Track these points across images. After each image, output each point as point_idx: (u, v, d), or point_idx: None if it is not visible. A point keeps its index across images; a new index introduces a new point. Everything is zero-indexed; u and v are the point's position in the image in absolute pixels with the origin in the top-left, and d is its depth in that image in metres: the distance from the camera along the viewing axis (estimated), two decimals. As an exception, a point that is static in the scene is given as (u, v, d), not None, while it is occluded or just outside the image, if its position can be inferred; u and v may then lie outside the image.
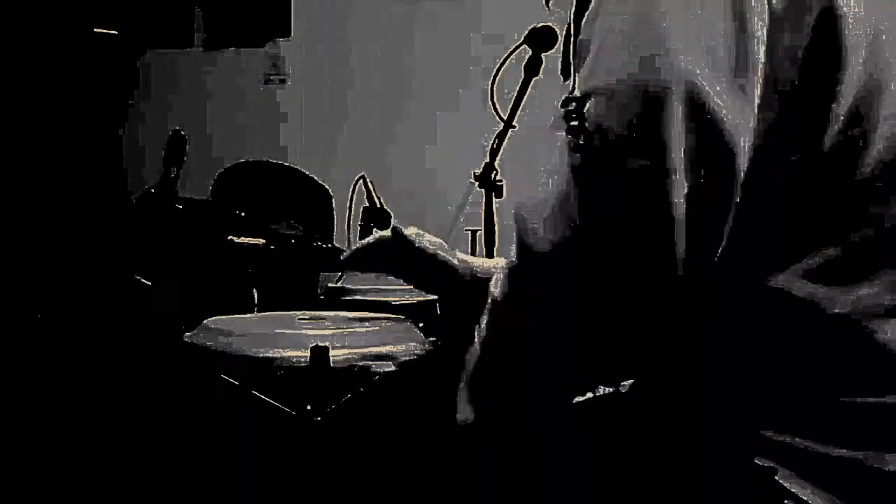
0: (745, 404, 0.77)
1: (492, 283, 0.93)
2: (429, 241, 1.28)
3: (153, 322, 2.24)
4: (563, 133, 0.79)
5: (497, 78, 2.09)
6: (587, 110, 0.77)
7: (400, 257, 1.28)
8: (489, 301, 0.93)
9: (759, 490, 0.75)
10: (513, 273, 0.87)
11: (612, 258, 0.75)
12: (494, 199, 2.20)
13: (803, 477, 0.74)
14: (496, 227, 2.23)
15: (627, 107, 0.75)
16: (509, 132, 2.08)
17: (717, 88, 0.73)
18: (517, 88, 2.07)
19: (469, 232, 2.45)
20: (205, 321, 1.46)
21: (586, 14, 0.82)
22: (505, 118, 2.07)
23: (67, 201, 2.84)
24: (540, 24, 2.00)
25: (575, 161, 0.77)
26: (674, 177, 0.72)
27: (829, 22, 0.75)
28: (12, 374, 2.30)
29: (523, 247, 0.82)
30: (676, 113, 0.72)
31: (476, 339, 0.96)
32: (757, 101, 0.74)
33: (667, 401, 0.80)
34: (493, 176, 2.14)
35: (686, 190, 0.72)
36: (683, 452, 0.79)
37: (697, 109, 0.73)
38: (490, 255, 2.24)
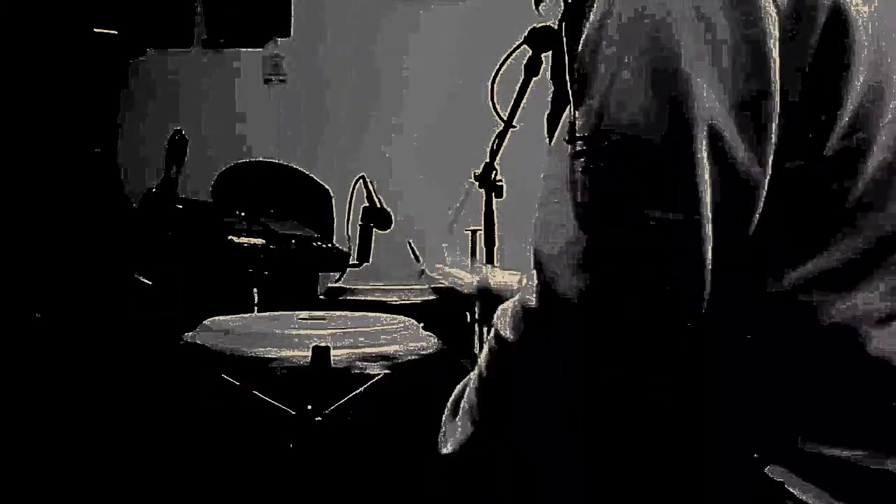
0: (745, 406, 0.77)
1: (497, 319, 0.91)
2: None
3: (153, 322, 2.24)
4: (573, 171, 0.77)
5: (497, 78, 2.09)
6: (605, 151, 0.74)
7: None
8: (493, 338, 0.91)
9: (758, 490, 0.75)
10: (529, 314, 0.84)
11: (634, 304, 0.74)
12: (494, 199, 2.20)
13: (802, 477, 0.74)
14: (496, 227, 2.23)
15: (653, 154, 0.72)
16: (509, 132, 2.08)
17: (735, 133, 0.71)
18: (517, 88, 2.07)
19: (469, 232, 2.45)
20: (205, 321, 1.46)
21: (584, 39, 0.79)
22: (505, 118, 2.07)
23: (67, 201, 2.84)
24: (540, 24, 2.00)
25: (592, 207, 0.75)
26: (707, 226, 0.71)
27: (838, 26, 0.74)
28: (12, 374, 2.30)
29: (546, 293, 0.80)
30: (703, 161, 0.71)
31: (475, 374, 0.95)
32: (773, 137, 0.72)
33: (667, 404, 0.80)
34: (493, 176, 2.14)
35: (712, 241, 0.71)
36: (684, 453, 0.79)
37: (720, 156, 0.71)
38: (490, 255, 2.24)
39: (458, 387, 1.00)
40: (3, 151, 2.88)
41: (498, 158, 2.12)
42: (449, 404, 1.00)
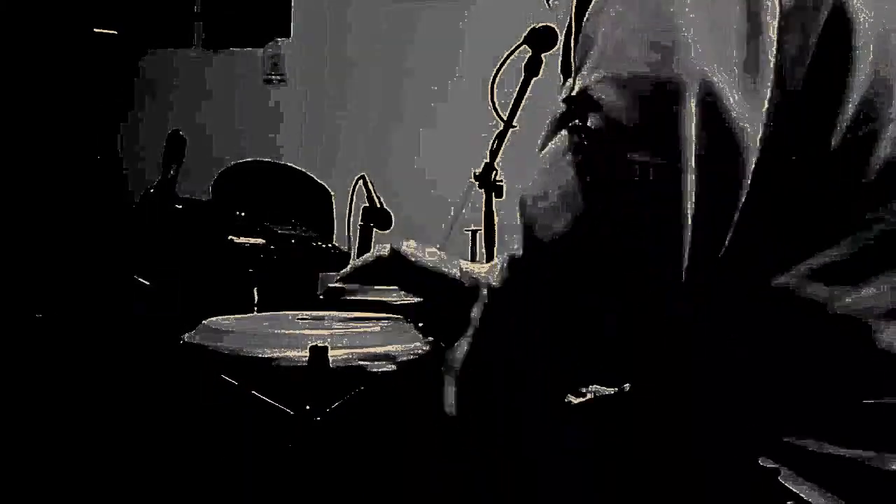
0: (746, 404, 0.77)
1: (487, 271, 0.92)
2: (428, 253, 1.28)
3: (153, 322, 2.24)
4: (568, 120, 0.78)
5: (497, 78, 2.09)
6: (598, 97, 0.76)
7: (399, 274, 1.28)
8: (485, 289, 0.92)
9: (760, 490, 0.75)
10: (513, 261, 0.85)
11: (615, 249, 0.74)
12: (494, 199, 2.20)
13: (805, 477, 0.74)
14: (496, 227, 2.23)
15: (643, 100, 0.74)
16: (509, 132, 2.08)
17: (730, 88, 0.72)
18: (517, 88, 2.07)
19: (469, 232, 2.45)
20: (204, 321, 1.46)
21: (588, 10, 0.81)
22: (505, 118, 2.07)
23: (67, 201, 2.84)
24: (540, 25, 2.00)
25: (580, 148, 0.76)
26: (687, 176, 0.72)
27: (840, 22, 0.75)
28: (12, 374, 2.30)
29: (527, 236, 0.81)
30: (692, 111, 0.72)
31: (469, 330, 0.95)
32: (766, 102, 0.73)
33: (667, 402, 0.80)
34: (493, 176, 2.14)
35: (696, 190, 0.72)
36: (684, 453, 0.79)
37: (711, 109, 0.72)
38: (490, 255, 2.24)
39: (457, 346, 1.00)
40: (3, 151, 2.88)
41: (498, 158, 2.12)
42: (447, 362, 1.00)
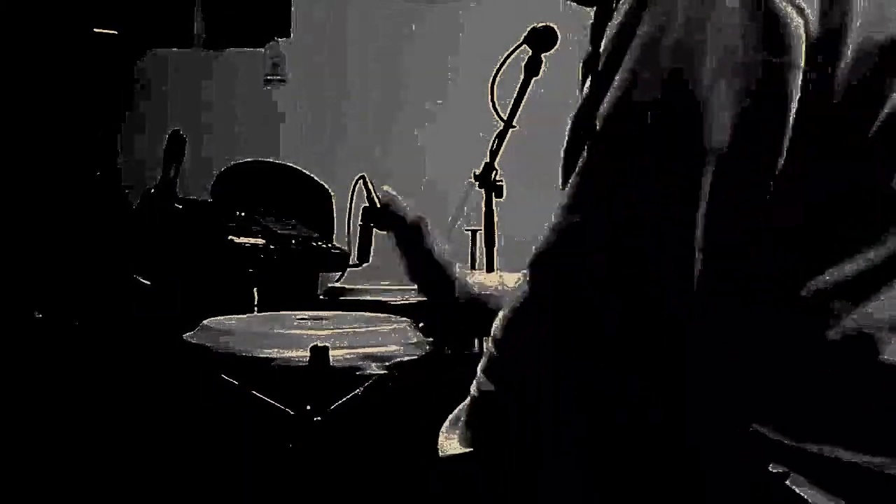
0: (749, 407, 0.77)
1: (489, 288, 0.92)
2: (443, 251, 1.30)
3: (153, 322, 2.25)
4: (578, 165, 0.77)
5: (497, 78, 2.09)
6: (606, 155, 0.75)
7: (415, 247, 1.30)
8: (490, 339, 0.92)
9: (763, 492, 0.75)
10: (516, 310, 0.85)
11: (617, 299, 0.75)
12: (494, 199, 2.20)
13: (809, 480, 0.74)
14: (496, 227, 2.23)
15: (658, 172, 0.73)
16: (509, 132, 2.08)
17: (745, 158, 0.72)
18: (517, 88, 2.07)
19: (469, 232, 2.45)
20: (204, 321, 1.46)
21: (605, 40, 0.78)
22: (505, 118, 2.07)
23: (67, 201, 2.84)
24: (540, 24, 2.00)
25: (591, 213, 0.76)
26: (696, 255, 0.72)
27: (867, 52, 0.74)
28: (12, 374, 2.30)
29: (532, 295, 0.81)
30: (705, 191, 0.71)
31: (474, 383, 0.95)
32: (780, 160, 0.73)
33: (670, 404, 0.80)
34: (493, 176, 2.14)
35: (701, 267, 0.72)
36: (685, 454, 0.79)
37: (725, 186, 0.72)
38: (490, 255, 2.24)
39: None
40: (2, 152, 2.88)
41: (498, 158, 2.12)
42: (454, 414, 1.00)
